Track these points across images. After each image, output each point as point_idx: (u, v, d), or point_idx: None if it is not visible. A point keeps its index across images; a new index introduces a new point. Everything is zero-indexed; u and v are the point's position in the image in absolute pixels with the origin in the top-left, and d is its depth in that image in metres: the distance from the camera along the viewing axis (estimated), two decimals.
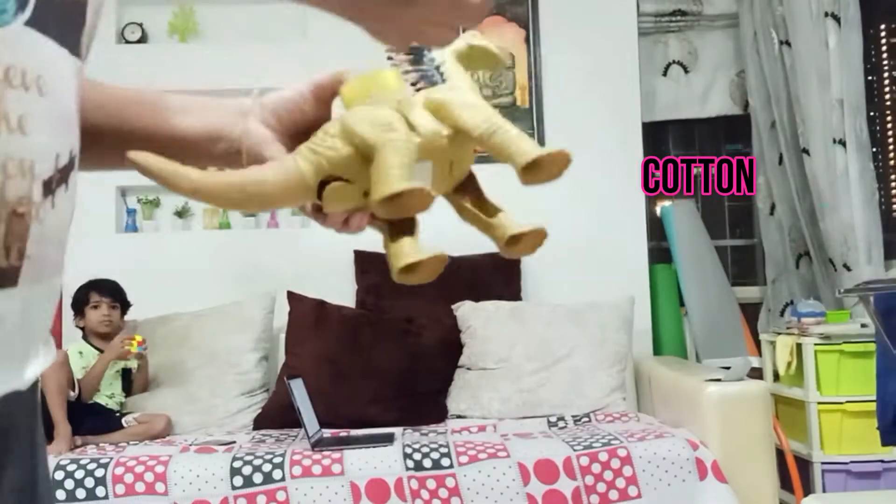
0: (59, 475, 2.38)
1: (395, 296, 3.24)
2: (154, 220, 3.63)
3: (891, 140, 3.81)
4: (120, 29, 3.62)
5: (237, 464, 2.39)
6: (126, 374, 3.03)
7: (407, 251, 0.60)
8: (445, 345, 3.15)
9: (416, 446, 2.46)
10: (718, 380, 2.59)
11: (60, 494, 2.35)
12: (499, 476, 2.36)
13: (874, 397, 2.37)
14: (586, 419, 2.92)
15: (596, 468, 2.39)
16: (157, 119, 0.71)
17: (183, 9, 3.66)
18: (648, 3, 3.86)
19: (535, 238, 0.62)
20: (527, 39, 3.65)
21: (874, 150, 3.60)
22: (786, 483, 2.94)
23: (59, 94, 0.50)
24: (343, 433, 2.80)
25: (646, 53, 3.88)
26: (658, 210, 3.87)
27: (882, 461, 2.95)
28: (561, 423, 2.89)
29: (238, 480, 2.36)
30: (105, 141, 0.69)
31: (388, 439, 2.57)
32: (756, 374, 3.26)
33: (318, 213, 0.66)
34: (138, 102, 0.72)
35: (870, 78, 3.73)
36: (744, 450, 2.48)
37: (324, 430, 2.71)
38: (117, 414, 2.91)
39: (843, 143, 3.42)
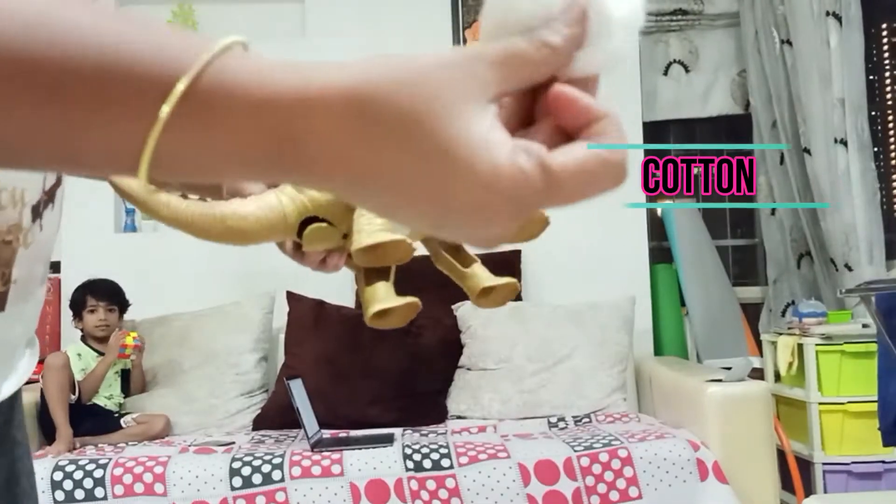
0: (58, 476, 2.37)
1: None
2: (153, 219, 3.62)
3: (892, 139, 3.81)
4: None
5: (236, 464, 2.39)
6: (125, 375, 3.02)
7: (380, 296, 0.60)
8: (445, 345, 3.15)
9: (416, 447, 2.46)
10: (719, 380, 2.59)
11: (59, 495, 2.35)
12: (499, 477, 2.36)
13: (875, 398, 2.37)
14: (587, 420, 2.92)
15: (596, 469, 2.38)
16: None
17: (182, 7, 3.65)
18: (649, 3, 3.84)
19: (507, 291, 0.64)
20: None
21: (875, 149, 3.59)
22: (787, 484, 2.94)
23: None
24: (343, 434, 2.79)
25: (647, 53, 3.87)
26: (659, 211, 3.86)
27: (883, 462, 2.94)
28: (561, 424, 2.88)
29: (237, 481, 2.36)
30: None
31: (388, 440, 2.56)
32: (757, 374, 3.26)
33: (296, 251, 0.65)
34: None
35: (871, 77, 3.72)
36: (745, 450, 2.47)
37: (323, 431, 2.71)
38: (116, 415, 2.90)
39: (844, 142, 3.42)
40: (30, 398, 2.83)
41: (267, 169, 0.37)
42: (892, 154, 3.80)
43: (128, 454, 2.49)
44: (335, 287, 3.35)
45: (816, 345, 3.04)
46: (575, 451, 2.41)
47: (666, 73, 3.95)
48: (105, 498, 2.34)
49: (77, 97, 0.34)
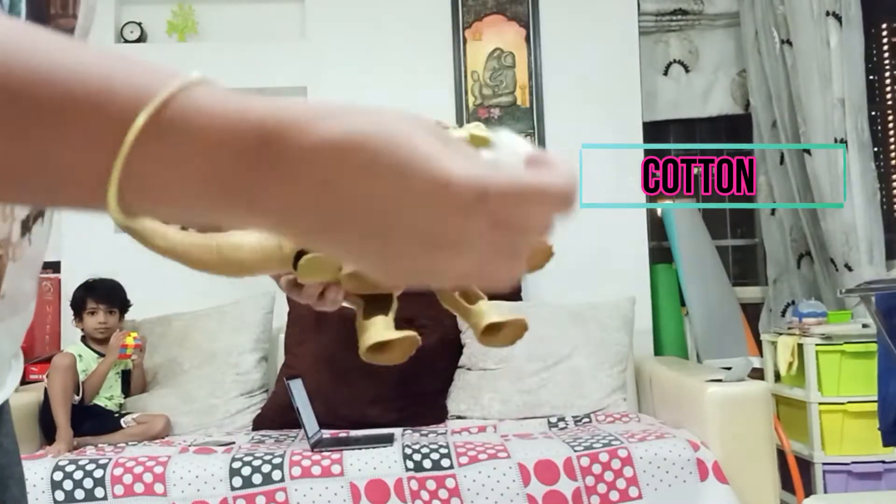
0: (58, 476, 2.37)
1: None
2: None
3: (892, 139, 3.81)
4: (119, 28, 3.61)
5: (236, 464, 2.39)
6: (126, 376, 3.02)
7: (378, 329, 0.58)
8: (445, 345, 3.15)
9: (416, 447, 2.45)
10: (719, 380, 2.59)
11: (59, 495, 2.35)
12: (499, 477, 2.36)
13: (875, 398, 2.37)
14: (587, 420, 2.92)
15: (596, 469, 2.38)
16: None
17: (182, 8, 3.65)
18: (649, 3, 3.85)
19: (516, 329, 0.61)
20: (527, 39, 3.64)
21: (875, 149, 3.59)
22: (787, 484, 2.94)
23: None
24: (343, 434, 2.79)
25: (647, 53, 3.87)
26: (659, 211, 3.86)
27: (883, 462, 2.94)
28: (561, 424, 2.88)
29: (237, 481, 2.35)
30: None
31: (388, 440, 2.56)
32: (757, 374, 3.26)
33: (294, 287, 0.65)
34: None
35: (871, 77, 3.72)
36: (745, 450, 2.47)
37: (323, 431, 2.71)
38: (116, 415, 2.90)
39: (844, 142, 3.42)
40: (32, 398, 2.83)
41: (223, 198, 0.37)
42: (892, 154, 3.80)
43: (128, 454, 2.49)
44: None
45: (816, 345, 3.04)
46: (575, 451, 2.41)
47: (666, 73, 3.95)
48: (105, 498, 2.34)
49: (34, 126, 0.33)
